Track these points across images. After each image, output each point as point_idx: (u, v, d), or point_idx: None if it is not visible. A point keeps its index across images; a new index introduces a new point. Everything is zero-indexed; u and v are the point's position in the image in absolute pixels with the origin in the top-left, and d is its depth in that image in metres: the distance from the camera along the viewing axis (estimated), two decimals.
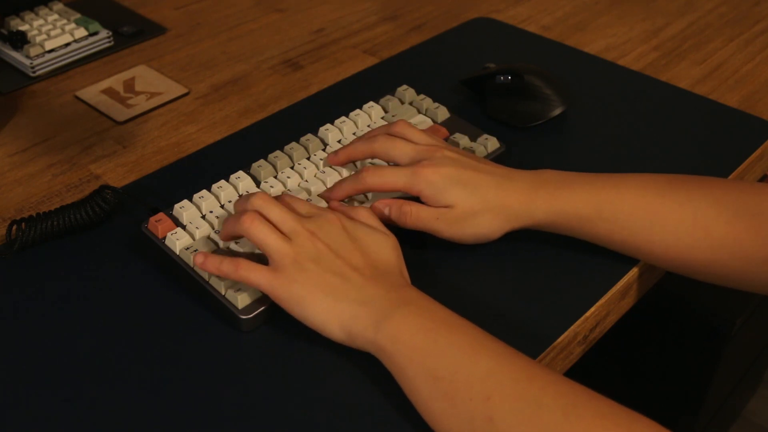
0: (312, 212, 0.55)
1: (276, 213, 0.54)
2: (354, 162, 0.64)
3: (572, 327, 0.55)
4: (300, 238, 0.52)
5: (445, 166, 0.58)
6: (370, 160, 0.64)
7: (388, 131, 0.62)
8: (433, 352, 0.47)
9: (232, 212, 0.60)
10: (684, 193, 0.56)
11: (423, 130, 0.63)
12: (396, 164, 0.61)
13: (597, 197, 0.57)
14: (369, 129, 0.69)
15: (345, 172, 0.65)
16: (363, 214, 0.57)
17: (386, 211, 0.59)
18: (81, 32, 0.86)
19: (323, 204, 0.61)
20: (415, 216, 0.58)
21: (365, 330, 0.50)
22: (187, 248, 0.57)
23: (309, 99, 0.80)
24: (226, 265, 0.53)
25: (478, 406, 0.44)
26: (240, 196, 0.62)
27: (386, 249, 0.54)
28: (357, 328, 0.50)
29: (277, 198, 0.57)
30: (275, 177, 0.64)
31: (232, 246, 0.57)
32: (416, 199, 0.59)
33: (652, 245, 0.57)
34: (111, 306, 0.56)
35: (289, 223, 0.53)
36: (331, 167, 0.65)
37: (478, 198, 0.57)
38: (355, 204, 0.61)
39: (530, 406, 0.43)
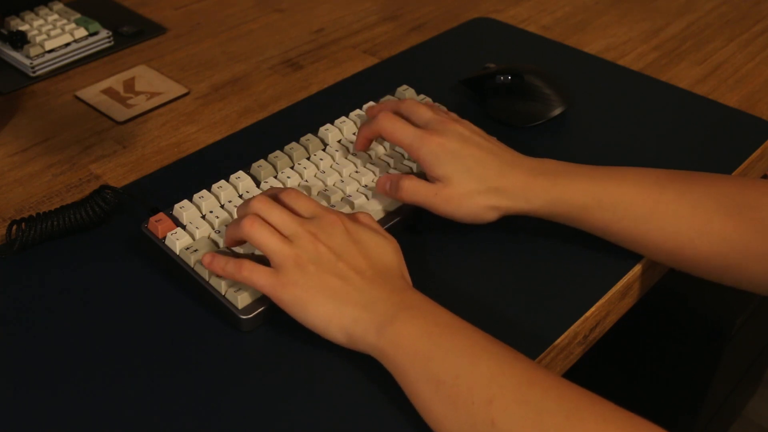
0: (314, 213, 0.55)
1: (276, 216, 0.53)
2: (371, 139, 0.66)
3: (572, 327, 0.55)
4: (301, 240, 0.52)
5: (452, 140, 0.59)
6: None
7: (396, 107, 0.64)
8: (435, 356, 0.47)
9: (232, 212, 0.60)
10: (684, 186, 0.56)
11: (434, 106, 0.65)
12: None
13: (596, 187, 0.57)
14: None
15: (345, 172, 0.65)
16: (364, 218, 0.57)
17: (387, 185, 0.60)
18: (81, 32, 0.86)
19: (323, 203, 0.61)
20: (413, 190, 0.59)
21: (366, 334, 0.49)
22: (187, 248, 0.57)
23: (309, 99, 0.80)
24: (231, 266, 0.53)
25: (480, 410, 0.44)
26: (240, 196, 0.62)
27: (388, 251, 0.54)
28: (358, 332, 0.50)
29: (281, 193, 0.57)
30: (275, 177, 0.64)
31: (234, 247, 0.57)
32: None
33: (650, 237, 0.57)
34: (111, 306, 0.56)
35: (290, 226, 0.53)
36: (331, 167, 0.65)
37: (477, 178, 0.58)
38: (355, 202, 0.61)
39: (532, 410, 0.43)
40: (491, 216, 0.59)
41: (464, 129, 0.60)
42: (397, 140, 0.60)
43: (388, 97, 0.74)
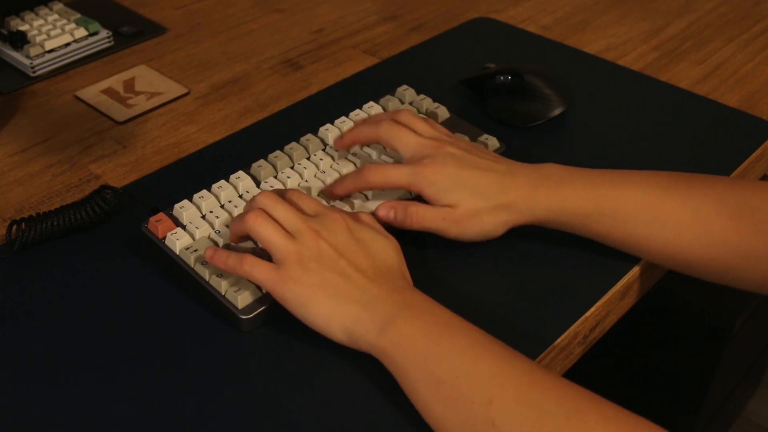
0: (318, 211, 0.55)
1: (281, 211, 0.54)
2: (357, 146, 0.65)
3: (572, 327, 0.55)
4: (304, 237, 0.52)
5: (447, 165, 0.58)
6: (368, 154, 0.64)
7: (393, 117, 0.63)
8: (435, 356, 0.47)
9: (232, 212, 0.60)
10: (685, 190, 0.56)
11: (426, 120, 0.63)
12: (397, 157, 0.61)
13: (597, 193, 0.57)
14: None
15: (345, 172, 0.65)
16: (365, 218, 0.57)
17: (391, 214, 0.59)
18: (81, 32, 0.86)
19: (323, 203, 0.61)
20: (421, 217, 0.58)
21: (367, 333, 0.49)
22: (187, 248, 0.57)
23: (309, 99, 0.80)
24: (233, 260, 0.53)
25: (480, 410, 0.44)
26: (240, 196, 0.62)
27: (389, 251, 0.54)
28: (359, 331, 0.50)
29: (285, 193, 0.57)
30: (275, 177, 0.64)
31: (235, 244, 0.57)
32: (418, 198, 0.59)
33: (652, 242, 0.57)
34: (111, 306, 0.56)
35: (294, 222, 0.53)
36: (331, 167, 0.65)
37: (481, 197, 0.57)
38: (355, 202, 0.61)
39: (533, 411, 0.43)
40: (500, 231, 0.59)
41: (455, 149, 0.59)
42: (393, 185, 0.59)
43: (388, 97, 0.74)
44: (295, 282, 0.51)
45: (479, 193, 0.57)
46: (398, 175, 0.59)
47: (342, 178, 0.62)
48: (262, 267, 0.52)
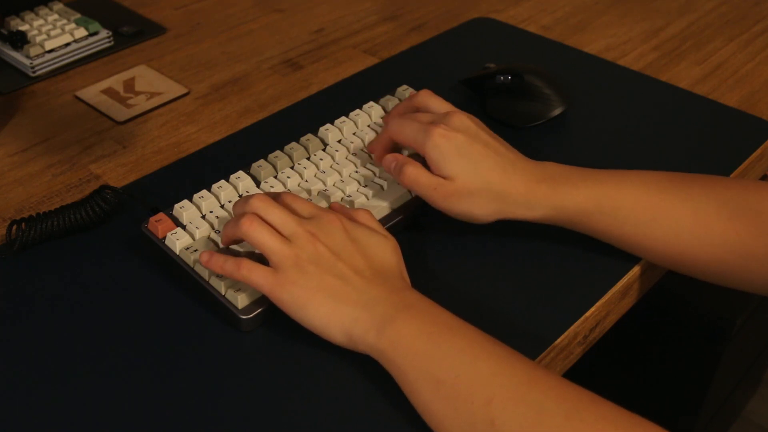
0: (312, 213, 0.55)
1: (276, 215, 0.53)
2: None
3: (572, 327, 0.55)
4: (300, 241, 0.52)
5: (458, 132, 0.58)
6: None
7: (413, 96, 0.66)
8: (435, 355, 0.47)
9: (232, 213, 0.60)
10: (685, 190, 0.56)
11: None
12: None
13: (598, 192, 0.57)
14: (369, 128, 0.69)
15: (345, 172, 0.65)
16: (363, 216, 0.56)
17: (392, 165, 0.60)
18: (81, 32, 0.86)
19: (323, 203, 0.61)
20: (414, 179, 0.59)
21: (366, 334, 0.49)
22: (187, 248, 0.57)
23: (309, 99, 0.80)
24: (230, 265, 0.53)
25: (480, 410, 0.44)
26: (240, 196, 0.62)
27: (386, 251, 0.54)
28: (358, 332, 0.50)
29: (278, 196, 0.56)
30: (275, 177, 0.64)
31: (233, 246, 0.57)
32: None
33: (652, 241, 0.57)
34: (111, 306, 0.56)
35: (289, 225, 0.53)
36: (331, 167, 0.65)
37: (480, 177, 0.57)
38: (356, 202, 0.61)
39: (532, 410, 0.43)
40: (488, 219, 0.59)
41: (471, 123, 0.60)
42: (403, 139, 0.60)
43: (388, 97, 0.74)
44: (293, 285, 0.51)
45: (479, 174, 0.57)
46: (410, 129, 0.60)
47: (378, 135, 0.65)
48: (260, 271, 0.52)
